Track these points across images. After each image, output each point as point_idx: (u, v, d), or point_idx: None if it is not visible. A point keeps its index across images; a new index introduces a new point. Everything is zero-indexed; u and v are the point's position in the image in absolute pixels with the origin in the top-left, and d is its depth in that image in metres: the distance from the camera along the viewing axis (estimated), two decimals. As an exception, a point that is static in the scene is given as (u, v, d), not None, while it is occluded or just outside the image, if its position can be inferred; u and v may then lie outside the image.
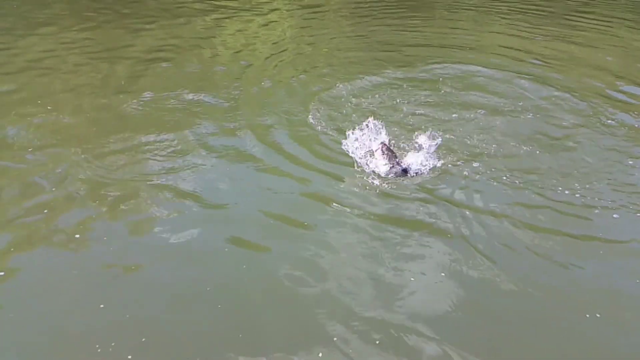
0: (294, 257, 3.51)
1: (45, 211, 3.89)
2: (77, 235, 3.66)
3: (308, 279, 3.30)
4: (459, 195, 4.25)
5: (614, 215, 4.05)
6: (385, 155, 4.39)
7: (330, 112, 5.79)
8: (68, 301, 3.12)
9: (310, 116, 5.65)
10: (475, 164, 4.69)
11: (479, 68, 7.56)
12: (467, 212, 4.02)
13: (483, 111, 5.89)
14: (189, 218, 3.90)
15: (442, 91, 6.55)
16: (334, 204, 4.08)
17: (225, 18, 10.13)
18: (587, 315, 3.09)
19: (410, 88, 6.70)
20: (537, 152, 5.04)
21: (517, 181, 4.47)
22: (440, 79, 7.01)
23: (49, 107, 5.76)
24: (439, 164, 4.60)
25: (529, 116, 5.90)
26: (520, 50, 8.56)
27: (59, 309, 3.08)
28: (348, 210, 4.02)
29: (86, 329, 2.92)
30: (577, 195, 4.27)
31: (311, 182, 4.39)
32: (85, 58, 7.49)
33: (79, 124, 5.49)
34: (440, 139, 4.82)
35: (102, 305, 3.05)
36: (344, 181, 4.40)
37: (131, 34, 8.78)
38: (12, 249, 3.51)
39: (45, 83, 6.55)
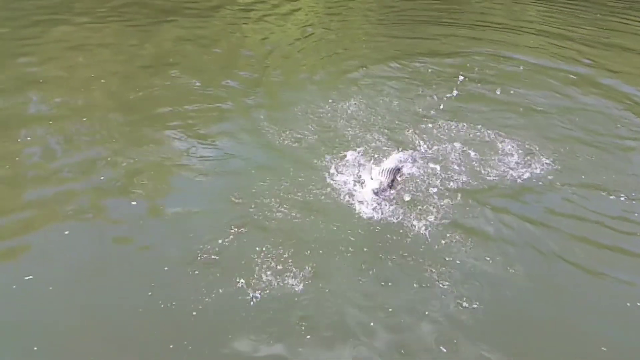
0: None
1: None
2: (134, 203, 4.01)
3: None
4: (493, 199, 4.23)
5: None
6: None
7: (354, 103, 5.87)
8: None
9: (331, 107, 5.74)
10: (510, 165, 4.69)
11: (519, 57, 7.65)
12: (496, 215, 4.03)
13: (521, 109, 5.99)
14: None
15: (478, 84, 6.66)
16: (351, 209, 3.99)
17: (253, 7, 10.39)
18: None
19: (440, 79, 6.83)
20: (582, 154, 5.02)
21: (558, 184, 4.49)
22: (476, 68, 7.14)
23: (76, 82, 6.14)
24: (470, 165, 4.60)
25: (574, 114, 5.90)
26: (561, 45, 8.64)
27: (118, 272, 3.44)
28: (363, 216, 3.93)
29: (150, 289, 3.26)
30: (621, 207, 4.24)
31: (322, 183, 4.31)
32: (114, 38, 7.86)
33: (102, 98, 5.82)
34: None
35: (166, 268, 3.40)
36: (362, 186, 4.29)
37: (158, 17, 9.05)
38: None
39: (73, 57, 6.91)
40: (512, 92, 6.47)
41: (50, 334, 2.94)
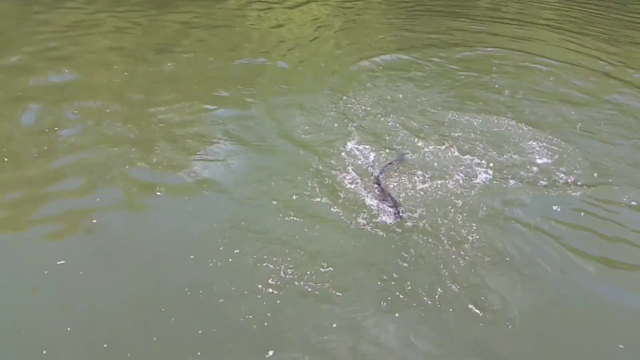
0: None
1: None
2: (159, 193, 4.14)
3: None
4: (512, 208, 4.13)
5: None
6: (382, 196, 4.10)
7: (364, 98, 5.93)
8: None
9: (339, 101, 5.80)
10: (528, 171, 4.62)
11: (538, 54, 7.67)
12: (516, 228, 3.95)
13: (543, 107, 6.00)
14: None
15: (495, 83, 6.71)
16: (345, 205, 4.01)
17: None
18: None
19: (454, 74, 6.89)
20: (607, 156, 4.97)
21: (583, 190, 4.40)
22: (494, 67, 7.23)
23: (86, 64, 6.36)
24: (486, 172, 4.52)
25: (598, 112, 5.92)
26: (579, 42, 8.69)
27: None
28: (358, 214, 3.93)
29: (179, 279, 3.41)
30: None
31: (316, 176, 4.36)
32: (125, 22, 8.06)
33: (110, 80, 6.03)
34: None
35: (192, 256, 3.53)
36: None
37: (169, 6, 9.21)
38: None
39: (85, 43, 7.10)
40: (532, 90, 6.51)
41: (80, 317, 3.07)
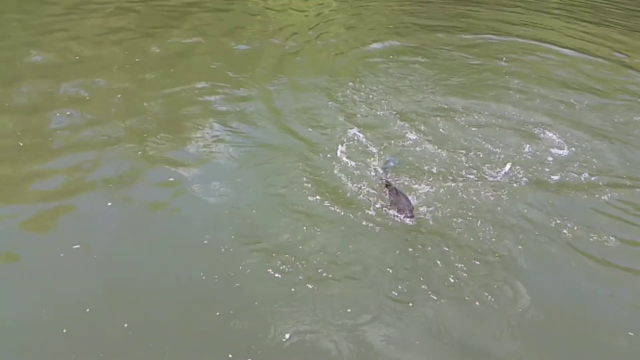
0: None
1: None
2: (171, 179, 4.22)
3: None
4: (515, 208, 4.07)
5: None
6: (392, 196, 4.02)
7: (372, 89, 5.91)
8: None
9: (345, 90, 5.81)
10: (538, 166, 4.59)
11: (549, 43, 7.68)
12: (520, 223, 3.93)
13: (556, 98, 5.96)
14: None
15: (506, 75, 6.66)
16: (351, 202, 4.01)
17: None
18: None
19: (464, 65, 6.87)
20: (620, 152, 4.90)
21: (597, 188, 4.35)
22: (504, 57, 7.21)
23: (89, 44, 6.51)
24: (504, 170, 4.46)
25: (611, 104, 5.92)
26: (590, 32, 8.67)
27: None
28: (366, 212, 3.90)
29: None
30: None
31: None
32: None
33: (113, 62, 6.12)
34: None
35: (205, 242, 3.61)
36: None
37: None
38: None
39: (90, 25, 7.19)
40: (543, 79, 6.50)
41: (97, 298, 3.15)
